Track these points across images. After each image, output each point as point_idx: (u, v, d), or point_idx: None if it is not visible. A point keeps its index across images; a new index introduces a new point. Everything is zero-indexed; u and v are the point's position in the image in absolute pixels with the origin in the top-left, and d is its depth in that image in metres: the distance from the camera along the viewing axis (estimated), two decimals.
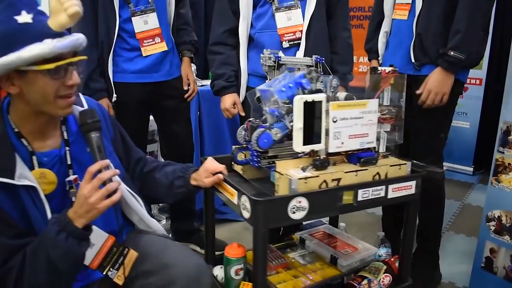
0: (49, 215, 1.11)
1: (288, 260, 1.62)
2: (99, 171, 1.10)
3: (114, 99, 1.97)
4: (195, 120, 2.53)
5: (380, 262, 1.56)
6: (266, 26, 1.91)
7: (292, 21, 1.89)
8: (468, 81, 2.56)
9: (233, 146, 1.43)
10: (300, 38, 1.89)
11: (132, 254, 1.21)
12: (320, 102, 1.22)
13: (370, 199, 1.33)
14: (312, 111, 1.22)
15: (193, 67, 2.88)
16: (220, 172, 1.36)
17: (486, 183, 4.01)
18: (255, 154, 1.33)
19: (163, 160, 1.70)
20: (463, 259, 2.33)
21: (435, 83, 1.73)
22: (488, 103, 3.98)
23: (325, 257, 1.62)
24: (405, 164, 1.41)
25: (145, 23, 1.97)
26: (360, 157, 1.33)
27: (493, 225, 1.73)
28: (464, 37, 1.69)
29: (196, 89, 2.26)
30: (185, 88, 2.20)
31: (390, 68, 1.36)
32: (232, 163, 1.46)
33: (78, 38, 1.11)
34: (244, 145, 1.40)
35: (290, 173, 1.25)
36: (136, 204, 1.30)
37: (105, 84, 1.96)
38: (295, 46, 1.91)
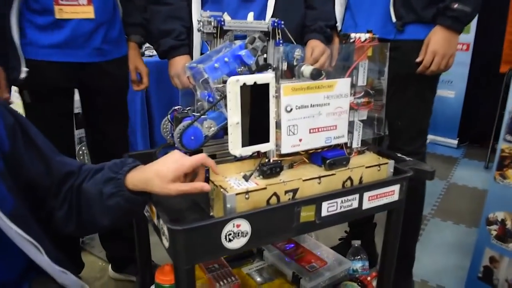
0: None
1: (240, 277, 1.30)
2: None
3: (23, 74, 1.47)
4: (141, 99, 2.13)
5: (354, 281, 1.25)
6: None
7: None
8: None
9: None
10: None
11: None
12: (266, 85, 0.85)
13: (339, 213, 0.99)
14: (254, 98, 0.85)
15: None
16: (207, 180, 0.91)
17: (471, 157, 3.83)
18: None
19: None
20: (452, 254, 2.05)
21: (439, 44, 1.36)
22: (474, 70, 3.67)
23: (287, 275, 1.30)
24: (386, 163, 1.06)
25: None
26: (325, 158, 0.98)
27: (494, 230, 1.43)
28: None
29: (148, 83, 1.71)
30: (135, 88, 1.69)
31: (367, 35, 0.99)
32: None
33: None
34: (172, 143, 1.04)
35: (227, 184, 0.90)
36: (32, 251, 0.89)
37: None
38: None
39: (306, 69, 1.11)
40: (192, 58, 1.53)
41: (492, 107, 3.36)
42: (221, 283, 1.25)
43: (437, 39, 1.35)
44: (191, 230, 0.80)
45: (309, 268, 1.29)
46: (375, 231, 1.88)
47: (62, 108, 1.56)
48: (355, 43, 0.97)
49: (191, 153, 0.94)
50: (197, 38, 1.51)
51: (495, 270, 1.44)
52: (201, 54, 1.54)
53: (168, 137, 1.05)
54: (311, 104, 0.93)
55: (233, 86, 0.82)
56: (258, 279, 1.32)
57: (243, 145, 0.86)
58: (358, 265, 1.33)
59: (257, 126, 0.87)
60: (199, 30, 1.15)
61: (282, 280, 1.30)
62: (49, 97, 1.49)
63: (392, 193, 1.08)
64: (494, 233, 1.42)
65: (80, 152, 2.12)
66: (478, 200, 2.69)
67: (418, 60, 1.37)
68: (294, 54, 1.32)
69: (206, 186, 0.84)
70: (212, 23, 1.14)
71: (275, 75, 0.91)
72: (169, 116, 1.02)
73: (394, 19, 1.40)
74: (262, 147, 0.89)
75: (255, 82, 0.84)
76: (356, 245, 1.38)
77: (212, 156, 1.01)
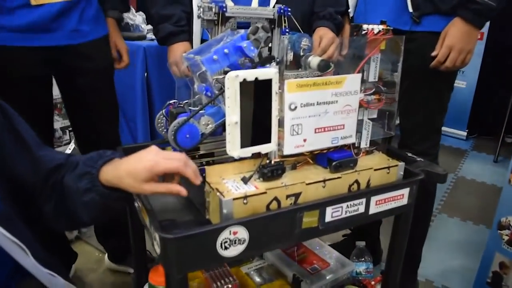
0: None
1: (239, 277, 1.24)
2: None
3: None
4: (142, 84, 2.06)
5: (357, 285, 1.19)
6: None
7: None
8: None
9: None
10: None
11: None
12: (269, 81, 0.78)
13: (344, 218, 0.92)
14: (255, 95, 0.78)
15: (141, 15, 2.37)
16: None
17: (480, 150, 3.74)
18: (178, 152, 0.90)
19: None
20: (458, 253, 1.99)
21: (457, 38, 1.25)
22: (487, 61, 3.54)
23: (287, 276, 1.25)
24: (396, 166, 0.99)
25: None
26: (331, 159, 0.91)
27: (506, 234, 1.35)
28: None
29: (128, 60, 1.58)
30: (117, 66, 1.56)
31: (381, 27, 0.91)
32: None
33: None
34: (167, 139, 0.97)
35: (224, 187, 0.83)
36: (18, 254, 0.85)
37: None
38: None
39: (313, 60, 1.03)
40: (192, 46, 1.46)
41: (504, 99, 3.26)
42: (219, 283, 1.20)
43: (454, 33, 1.25)
44: (184, 238, 0.74)
45: (310, 270, 1.24)
46: (381, 227, 1.82)
47: (38, 99, 1.40)
48: (368, 35, 0.89)
49: (186, 151, 0.88)
50: (197, 24, 1.43)
51: (505, 276, 1.38)
52: (202, 41, 1.46)
53: (163, 132, 0.98)
54: (317, 102, 0.86)
55: (232, 82, 0.74)
56: (258, 279, 1.27)
57: (242, 146, 0.79)
58: (362, 267, 1.28)
59: (258, 125, 0.80)
60: (199, 17, 1.07)
61: (282, 281, 1.25)
62: (23, 87, 1.34)
63: (401, 197, 1.01)
64: (506, 238, 1.35)
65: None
66: (486, 196, 2.62)
67: (433, 54, 1.28)
68: (301, 43, 1.24)
69: (183, 192, 0.78)
70: (213, 9, 1.06)
71: (279, 70, 0.84)
72: (164, 110, 0.95)
73: (410, 9, 1.29)
74: (263, 148, 0.82)
75: (256, 78, 0.76)
76: (360, 246, 1.32)
77: (210, 155, 0.95)
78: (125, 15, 2.14)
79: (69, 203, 0.86)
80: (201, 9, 1.06)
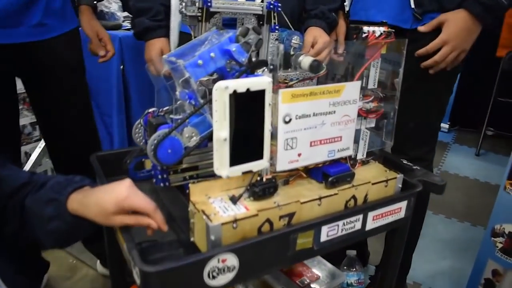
0: None
1: None
2: None
3: None
4: (118, 77, 1.93)
5: None
6: None
7: None
8: None
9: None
10: None
11: None
12: (262, 91, 0.69)
13: (340, 236, 0.85)
14: (246, 107, 0.69)
15: (117, 3, 2.22)
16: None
17: (462, 143, 3.74)
18: (158, 167, 0.81)
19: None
20: (445, 253, 1.96)
21: (454, 33, 1.15)
22: (470, 53, 3.51)
23: None
24: (395, 178, 0.92)
25: None
26: (327, 174, 0.83)
27: (500, 242, 1.31)
28: None
29: (113, 50, 1.45)
30: (100, 53, 1.41)
31: (382, 29, 0.82)
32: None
33: None
34: (146, 150, 0.87)
35: (211, 209, 0.74)
36: None
37: None
38: None
39: (305, 60, 0.95)
40: (170, 42, 1.34)
41: (486, 92, 3.25)
42: None
43: (453, 27, 1.15)
44: (168, 271, 0.66)
45: (299, 283, 1.17)
46: None
47: (1, 99, 1.27)
48: (368, 38, 0.81)
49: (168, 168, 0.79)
50: (175, 19, 1.32)
51: (497, 284, 1.35)
52: (180, 34, 1.35)
53: (141, 143, 0.88)
54: (313, 113, 0.77)
55: (221, 94, 0.65)
56: None
57: (231, 164, 0.70)
58: (353, 278, 1.22)
59: (248, 140, 0.71)
60: (181, 13, 0.97)
61: None
62: None
63: (399, 211, 0.95)
64: (500, 245, 1.31)
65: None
66: (470, 192, 2.61)
67: (419, 51, 1.19)
68: (292, 41, 1.16)
69: (153, 224, 0.73)
70: (197, 4, 0.96)
71: (273, 78, 0.75)
72: (142, 120, 0.85)
73: (412, 5, 1.19)
74: (254, 166, 0.73)
75: (248, 89, 0.67)
76: (351, 255, 1.26)
77: (193, 168, 0.85)
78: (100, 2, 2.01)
79: (31, 228, 0.78)
80: (183, 4, 0.96)
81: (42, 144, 1.93)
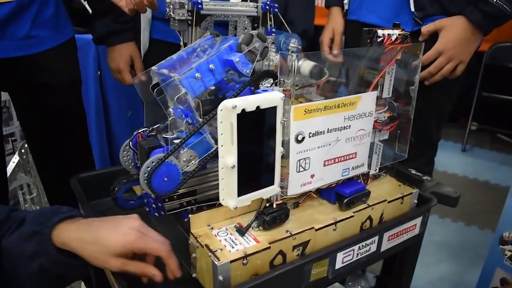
0: None
1: None
2: None
3: None
4: (95, 84, 1.80)
5: None
6: None
7: None
8: None
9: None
10: None
11: None
12: (273, 108, 0.60)
13: (355, 261, 0.78)
14: (255, 128, 0.60)
15: None
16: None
17: (447, 138, 3.72)
18: (152, 195, 0.71)
19: None
20: (442, 255, 1.91)
21: (451, 43, 1.07)
22: None
23: None
24: (411, 194, 0.85)
25: None
26: (342, 196, 0.75)
27: (509, 250, 1.26)
28: None
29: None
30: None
31: (396, 32, 0.74)
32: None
33: None
34: (136, 176, 0.77)
35: (217, 243, 0.65)
36: None
37: None
38: None
39: (305, 65, 0.86)
40: (140, 46, 1.22)
41: (469, 86, 3.24)
42: None
43: (450, 36, 1.07)
44: None
45: None
46: None
47: None
48: (384, 43, 0.73)
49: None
50: (145, 19, 1.20)
51: None
52: (150, 40, 1.22)
53: (130, 167, 0.78)
54: (328, 129, 0.69)
55: (228, 115, 0.56)
56: None
57: (239, 194, 0.61)
58: None
59: (258, 165, 0.63)
60: (168, 17, 0.87)
61: None
62: None
63: (414, 228, 0.88)
64: (509, 253, 1.26)
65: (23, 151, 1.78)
66: (460, 190, 2.53)
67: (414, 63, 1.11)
68: (289, 45, 1.07)
69: (158, 276, 0.62)
70: (186, 7, 0.86)
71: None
72: (131, 142, 0.75)
73: (412, 9, 1.11)
74: (264, 193, 0.64)
75: (258, 107, 0.58)
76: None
77: (191, 193, 0.76)
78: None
79: (11, 271, 0.65)
80: (171, 7, 0.86)
81: (15, 158, 1.79)
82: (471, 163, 2.98)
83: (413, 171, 1.02)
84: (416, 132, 1.20)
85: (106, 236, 0.60)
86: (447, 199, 0.94)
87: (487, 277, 1.33)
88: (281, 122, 0.62)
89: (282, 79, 0.64)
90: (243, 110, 0.56)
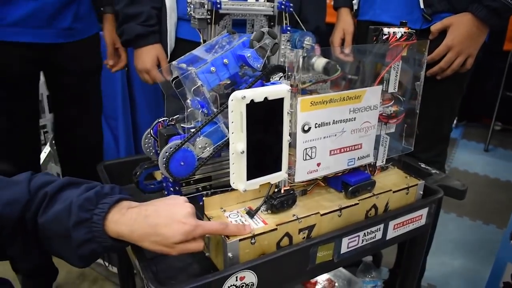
0: None
1: None
2: None
3: None
4: (122, 79, 1.89)
5: None
6: None
7: None
8: None
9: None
10: None
11: None
12: (281, 100, 0.65)
13: (360, 247, 0.82)
14: (264, 118, 0.65)
15: None
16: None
17: (470, 138, 3.69)
18: (170, 179, 0.78)
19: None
20: (458, 253, 1.92)
21: (459, 38, 1.11)
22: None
23: None
24: (416, 185, 0.89)
25: None
26: (348, 184, 0.80)
27: None
28: None
29: (125, 60, 1.51)
30: (109, 63, 1.48)
31: (403, 30, 0.78)
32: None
33: None
34: (156, 162, 0.83)
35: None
36: None
37: None
38: None
39: (318, 62, 0.91)
40: (166, 48, 1.28)
41: (494, 86, 3.20)
42: None
43: (457, 31, 1.12)
44: None
45: None
46: None
47: (26, 97, 1.32)
48: (390, 40, 0.77)
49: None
50: (171, 21, 1.26)
51: None
52: (176, 40, 1.29)
53: (151, 154, 0.85)
54: (333, 121, 0.73)
55: (238, 105, 0.62)
56: None
57: (248, 178, 0.66)
58: (369, 285, 1.18)
59: (266, 152, 0.68)
60: (189, 16, 0.93)
61: None
62: (11, 85, 1.25)
63: (419, 218, 0.91)
64: None
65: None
66: (480, 189, 2.56)
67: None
68: (304, 42, 1.12)
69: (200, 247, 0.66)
70: (206, 6, 0.92)
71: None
72: (152, 130, 0.81)
73: (422, 6, 1.15)
74: (272, 178, 0.70)
75: (265, 98, 0.63)
76: (367, 261, 1.23)
77: (207, 179, 0.82)
78: None
79: (50, 247, 0.68)
80: (192, 6, 0.92)
81: (47, 149, 1.90)
82: (493, 163, 2.95)
83: (423, 165, 1.06)
84: (428, 125, 1.24)
85: (165, 228, 0.61)
86: (454, 191, 0.97)
87: (499, 272, 1.34)
88: (288, 113, 0.67)
89: (290, 73, 0.69)
90: (252, 100, 0.62)
